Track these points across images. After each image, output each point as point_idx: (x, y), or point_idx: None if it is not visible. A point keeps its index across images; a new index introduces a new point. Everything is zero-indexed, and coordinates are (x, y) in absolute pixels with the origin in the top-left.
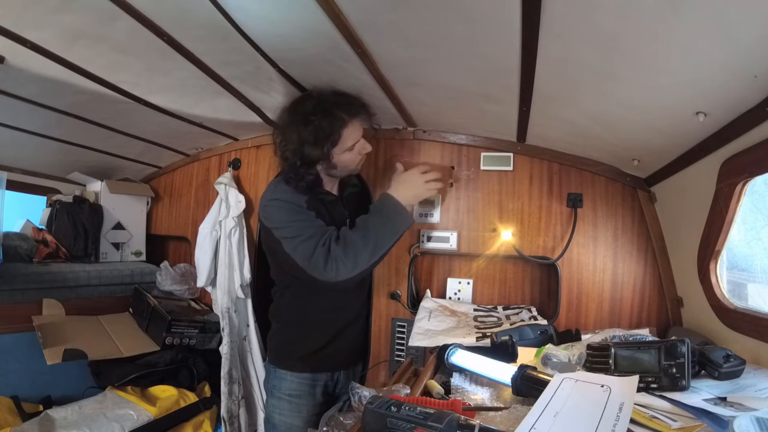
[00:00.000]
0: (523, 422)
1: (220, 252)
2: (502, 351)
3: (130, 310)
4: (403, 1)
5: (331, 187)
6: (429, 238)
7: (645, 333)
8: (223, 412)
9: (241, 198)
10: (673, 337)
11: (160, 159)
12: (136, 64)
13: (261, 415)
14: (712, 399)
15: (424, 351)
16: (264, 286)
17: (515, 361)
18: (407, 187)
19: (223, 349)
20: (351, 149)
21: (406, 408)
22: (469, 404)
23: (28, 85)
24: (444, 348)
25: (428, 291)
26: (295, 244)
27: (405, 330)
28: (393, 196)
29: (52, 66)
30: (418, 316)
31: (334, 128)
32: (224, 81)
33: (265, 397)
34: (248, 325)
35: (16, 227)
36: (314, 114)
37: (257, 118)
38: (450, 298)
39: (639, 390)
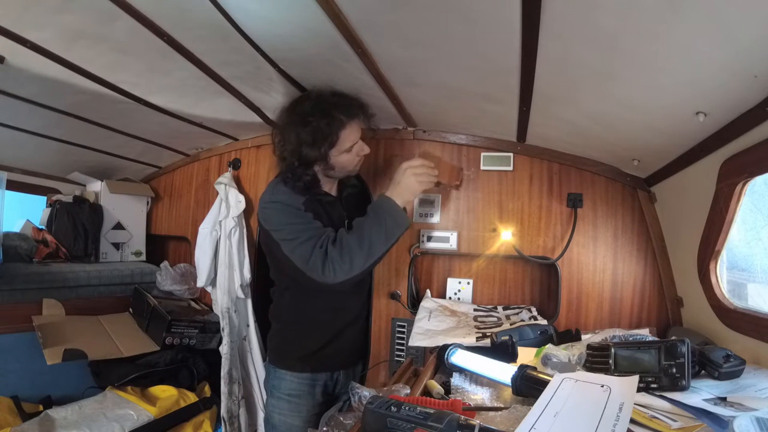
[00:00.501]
0: (523, 422)
1: (220, 252)
2: (502, 351)
3: (130, 310)
4: (403, 1)
5: (330, 187)
6: (429, 238)
7: (645, 333)
8: (223, 412)
9: (241, 198)
10: (673, 337)
11: (160, 159)
12: (136, 64)
13: (261, 415)
14: (712, 399)
15: (424, 351)
16: (264, 286)
17: (515, 361)
18: (401, 187)
19: (223, 349)
20: (349, 151)
21: (406, 408)
22: (469, 404)
23: (28, 85)
24: (444, 348)
25: (428, 291)
26: (293, 247)
27: (405, 330)
28: (389, 197)
29: (52, 66)
30: (418, 316)
31: (332, 129)
32: (224, 81)
33: (265, 397)
34: (248, 325)
35: (16, 227)
36: (312, 115)
37: (257, 118)
38: (450, 298)
39: (639, 390)
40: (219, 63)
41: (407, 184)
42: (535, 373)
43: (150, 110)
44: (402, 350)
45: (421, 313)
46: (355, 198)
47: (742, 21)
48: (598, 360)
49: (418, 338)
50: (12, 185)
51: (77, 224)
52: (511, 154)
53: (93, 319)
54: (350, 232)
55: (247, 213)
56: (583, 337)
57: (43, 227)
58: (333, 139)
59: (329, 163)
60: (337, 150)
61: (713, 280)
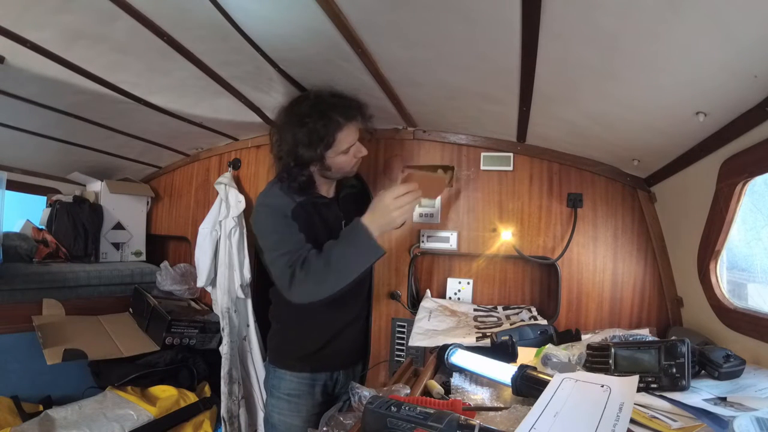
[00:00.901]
0: (523, 422)
1: (220, 252)
2: (502, 351)
3: (130, 310)
4: (403, 1)
5: (328, 188)
6: (429, 238)
7: (645, 333)
8: (223, 412)
9: (241, 198)
10: (673, 337)
11: (160, 159)
12: (136, 64)
13: (261, 415)
14: (712, 399)
15: (424, 351)
16: (264, 286)
17: (515, 361)
18: (379, 215)
19: (223, 349)
20: (346, 152)
21: (406, 408)
22: (469, 404)
23: (28, 85)
24: (444, 348)
25: (428, 291)
26: (271, 258)
27: (405, 330)
28: (364, 224)
29: (52, 66)
30: (418, 316)
31: (328, 131)
32: (224, 81)
33: (265, 396)
34: (248, 325)
35: (16, 227)
36: (310, 116)
37: (257, 118)
38: (450, 298)
39: (639, 390)
40: (219, 63)
41: (390, 218)
42: (535, 373)
43: (150, 110)
44: (402, 350)
45: (421, 313)
46: (353, 198)
47: (742, 21)
48: (598, 360)
49: (418, 338)
50: (12, 185)
51: (77, 224)
52: (511, 154)
53: (93, 319)
54: (319, 255)
55: (247, 213)
56: (583, 337)
57: (43, 227)
58: (329, 141)
59: (325, 164)
60: (333, 151)
61: (713, 280)
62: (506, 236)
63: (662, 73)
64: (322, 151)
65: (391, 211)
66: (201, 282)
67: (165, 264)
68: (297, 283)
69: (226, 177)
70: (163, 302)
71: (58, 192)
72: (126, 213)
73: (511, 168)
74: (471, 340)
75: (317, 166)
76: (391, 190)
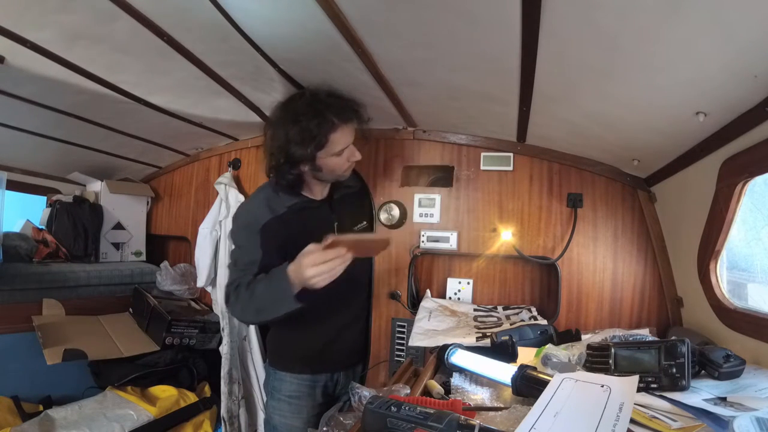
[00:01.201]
0: (523, 422)
1: (220, 252)
2: (502, 351)
3: (130, 310)
4: (403, 1)
5: (321, 189)
6: (429, 238)
7: (645, 333)
8: (223, 412)
9: (241, 198)
10: (673, 337)
11: (160, 159)
12: (136, 64)
13: (261, 415)
14: (712, 399)
15: (424, 351)
16: None
17: (515, 361)
18: (300, 274)
19: (223, 349)
20: (339, 154)
21: (406, 408)
22: (469, 404)
23: (28, 85)
24: (444, 348)
25: (428, 291)
26: (230, 269)
27: (405, 330)
28: (288, 274)
29: (52, 66)
30: (418, 316)
31: (321, 131)
32: (224, 81)
33: (265, 397)
34: (248, 326)
35: (16, 227)
36: (304, 114)
37: (257, 118)
38: (450, 298)
39: (639, 390)
40: (219, 63)
41: (310, 283)
42: (535, 373)
43: (150, 110)
44: (402, 350)
45: (421, 313)
46: (351, 198)
47: (742, 21)
48: (598, 360)
49: (418, 338)
50: (12, 185)
51: (77, 224)
52: (511, 154)
53: (93, 319)
54: (249, 286)
55: None
56: (583, 337)
57: (43, 227)
58: (322, 141)
59: (316, 165)
60: (325, 152)
61: (713, 280)
62: (506, 236)
63: (662, 73)
64: (314, 151)
65: (309, 277)
66: (201, 282)
67: (165, 264)
68: (230, 303)
69: (226, 177)
70: (163, 302)
71: (58, 192)
72: (126, 213)
73: (511, 168)
74: (471, 340)
75: (308, 166)
76: (313, 253)
